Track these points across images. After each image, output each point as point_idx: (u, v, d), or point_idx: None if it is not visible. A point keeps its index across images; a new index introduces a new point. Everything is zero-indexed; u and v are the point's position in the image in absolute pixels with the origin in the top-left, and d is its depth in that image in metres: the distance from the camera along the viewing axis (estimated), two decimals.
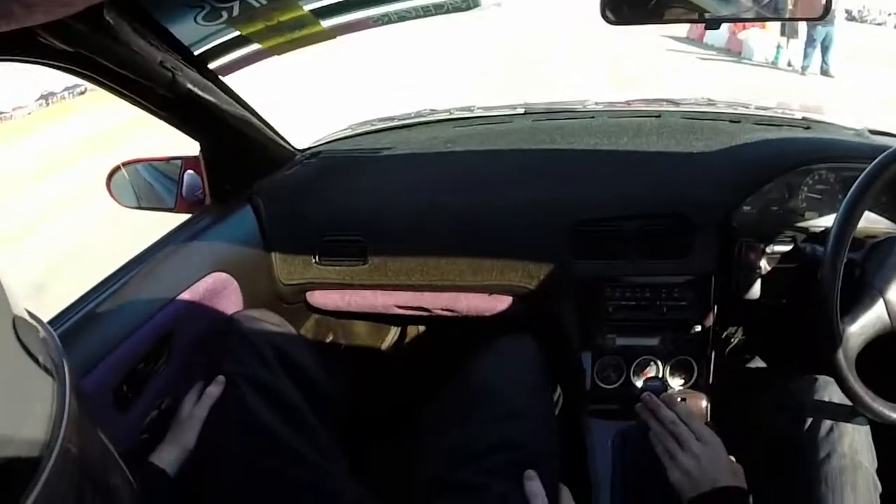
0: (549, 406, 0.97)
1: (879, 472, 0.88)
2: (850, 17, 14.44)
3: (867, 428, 0.88)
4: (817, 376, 0.95)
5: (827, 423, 0.89)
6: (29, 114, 10.49)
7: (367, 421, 1.20)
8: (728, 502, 0.74)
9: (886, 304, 0.82)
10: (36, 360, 0.30)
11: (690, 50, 10.64)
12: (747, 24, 7.94)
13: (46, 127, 9.18)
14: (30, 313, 0.32)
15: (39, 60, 0.69)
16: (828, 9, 0.83)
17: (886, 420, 0.81)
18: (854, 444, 0.87)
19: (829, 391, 0.92)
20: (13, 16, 0.53)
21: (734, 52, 10.31)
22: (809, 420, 0.91)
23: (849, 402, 0.82)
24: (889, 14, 15.04)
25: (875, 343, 0.83)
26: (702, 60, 9.87)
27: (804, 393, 0.95)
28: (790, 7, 0.87)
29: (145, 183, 1.17)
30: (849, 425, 0.88)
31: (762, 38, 9.69)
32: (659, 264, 1.06)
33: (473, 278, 1.11)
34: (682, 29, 10.70)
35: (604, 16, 0.80)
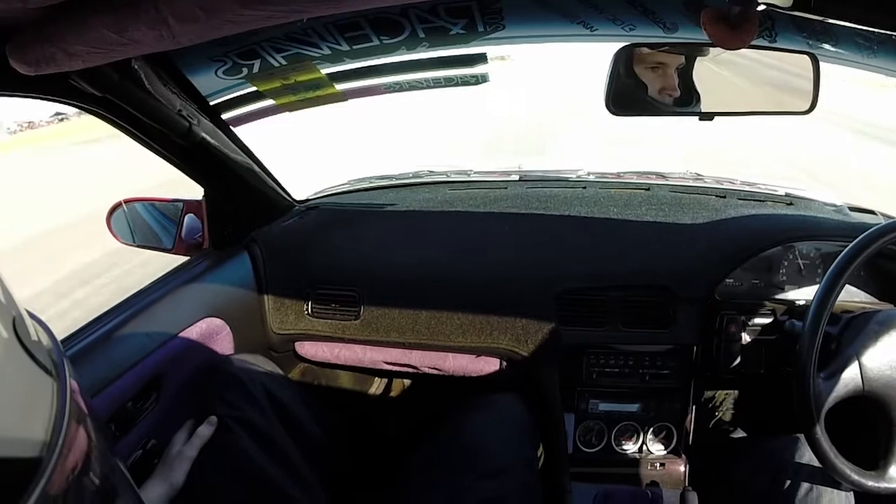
0: (533, 465, 0.96)
1: None
2: None
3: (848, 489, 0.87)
4: (797, 437, 0.96)
5: (805, 484, 0.89)
6: None
7: (352, 468, 1.17)
8: None
9: (861, 367, 0.84)
10: (36, 360, 0.30)
11: None
12: None
13: None
14: (30, 313, 0.32)
15: (68, 101, 0.72)
16: (814, 103, 0.91)
17: (848, 482, 0.81)
18: None
19: (809, 451, 0.91)
20: (55, 61, 0.56)
21: None
22: (788, 481, 0.90)
23: None
24: None
25: (848, 409, 0.84)
26: None
27: (783, 453, 0.95)
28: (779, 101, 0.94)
29: (144, 222, 1.17)
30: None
31: None
32: (642, 334, 1.08)
33: (462, 339, 1.11)
34: None
35: (608, 107, 0.90)
